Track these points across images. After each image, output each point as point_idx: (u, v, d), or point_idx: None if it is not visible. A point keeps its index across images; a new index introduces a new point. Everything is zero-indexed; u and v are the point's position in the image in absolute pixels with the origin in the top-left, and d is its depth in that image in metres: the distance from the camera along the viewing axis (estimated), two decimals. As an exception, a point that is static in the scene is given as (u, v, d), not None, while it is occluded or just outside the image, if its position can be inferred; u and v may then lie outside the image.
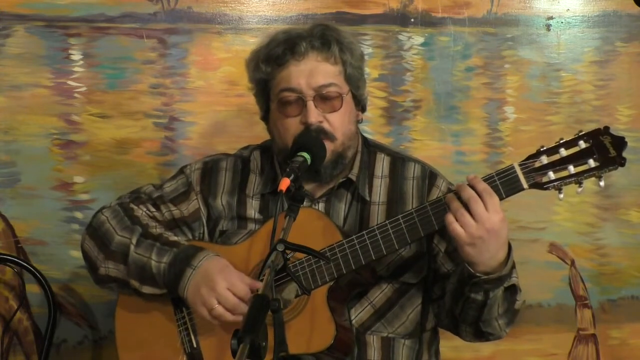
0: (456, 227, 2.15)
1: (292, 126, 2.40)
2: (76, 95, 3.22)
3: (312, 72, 2.39)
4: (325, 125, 2.39)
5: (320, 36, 2.41)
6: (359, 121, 2.53)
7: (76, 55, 3.22)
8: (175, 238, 2.46)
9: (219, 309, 2.28)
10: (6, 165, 3.22)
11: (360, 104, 2.52)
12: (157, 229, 2.48)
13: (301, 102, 2.39)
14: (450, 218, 2.17)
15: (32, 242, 3.24)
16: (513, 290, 2.30)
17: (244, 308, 2.26)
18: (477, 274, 2.20)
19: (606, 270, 3.37)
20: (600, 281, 3.37)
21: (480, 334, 2.39)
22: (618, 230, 3.35)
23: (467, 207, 2.15)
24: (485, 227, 2.14)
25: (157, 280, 2.40)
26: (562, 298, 3.36)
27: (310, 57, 2.40)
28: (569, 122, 3.30)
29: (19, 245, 3.24)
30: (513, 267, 2.26)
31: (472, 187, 2.17)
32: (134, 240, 2.44)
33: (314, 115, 2.37)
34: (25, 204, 3.22)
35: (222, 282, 2.29)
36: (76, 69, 3.22)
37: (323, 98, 2.39)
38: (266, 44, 2.46)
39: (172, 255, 2.38)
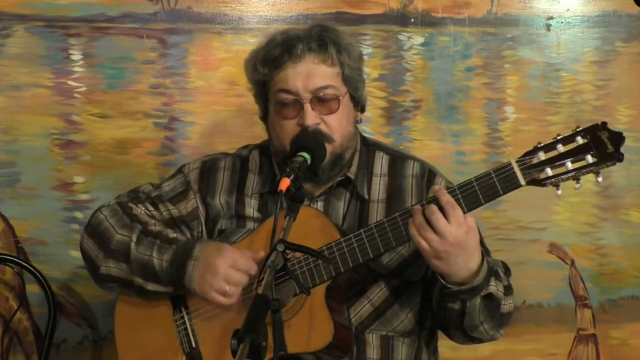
0: (420, 241, 2.17)
1: (290, 128, 2.39)
2: (76, 95, 3.22)
3: (309, 74, 2.39)
4: (323, 128, 2.39)
5: (318, 38, 2.41)
6: (358, 122, 2.53)
7: (76, 55, 3.22)
8: (174, 235, 2.47)
9: (232, 289, 2.29)
10: (6, 165, 3.22)
11: (359, 105, 2.51)
12: (156, 227, 2.49)
13: (298, 104, 2.39)
14: (413, 231, 2.18)
15: (32, 242, 3.24)
16: (492, 298, 2.29)
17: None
18: (449, 285, 2.21)
19: (606, 270, 3.37)
20: (600, 281, 3.37)
21: (470, 338, 2.40)
22: (618, 230, 3.35)
23: (428, 221, 2.16)
24: (448, 241, 2.14)
25: (160, 277, 2.40)
26: (562, 298, 3.35)
27: (307, 59, 2.40)
28: (569, 122, 3.29)
29: (19, 245, 3.24)
30: (491, 275, 2.26)
31: (437, 199, 2.18)
32: (134, 238, 2.44)
33: (311, 117, 2.37)
34: (25, 204, 3.23)
35: (224, 263, 2.29)
36: (76, 69, 3.22)
37: (320, 100, 2.39)
38: (264, 45, 2.46)
39: (172, 252, 2.39)
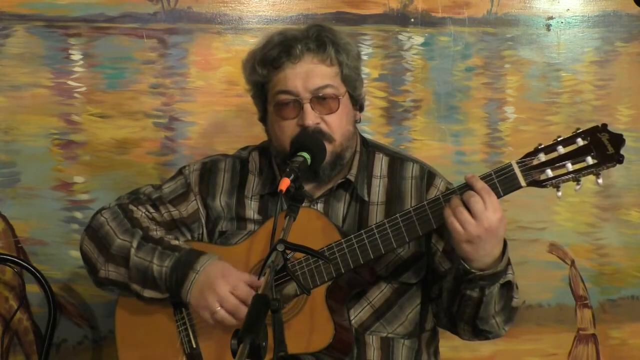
0: (454, 222, 2.16)
1: (290, 128, 2.40)
2: (76, 95, 3.22)
3: (308, 74, 2.39)
4: (323, 127, 2.39)
5: (316, 38, 2.41)
6: (357, 121, 2.53)
7: (76, 55, 3.22)
8: (177, 242, 2.46)
9: (221, 312, 2.29)
10: (6, 165, 3.22)
11: (358, 104, 2.51)
12: (157, 232, 2.48)
13: (298, 104, 2.39)
14: (448, 212, 2.17)
15: (32, 242, 3.24)
16: (509, 286, 2.30)
17: (245, 311, 2.27)
18: (472, 270, 2.20)
19: (606, 270, 3.37)
20: (600, 281, 3.37)
21: (479, 332, 2.39)
22: (618, 230, 3.35)
23: (466, 204, 2.16)
24: (483, 226, 2.14)
25: (158, 284, 2.40)
26: (562, 298, 3.36)
27: (306, 59, 2.40)
28: (569, 122, 3.30)
29: (19, 245, 3.24)
30: (508, 263, 2.26)
31: (471, 185, 2.18)
32: (134, 244, 2.43)
33: (311, 117, 2.37)
34: (25, 204, 3.22)
35: (225, 285, 2.29)
36: (76, 69, 3.22)
37: (320, 100, 2.39)
38: (262, 46, 2.46)
39: (174, 260, 2.38)
